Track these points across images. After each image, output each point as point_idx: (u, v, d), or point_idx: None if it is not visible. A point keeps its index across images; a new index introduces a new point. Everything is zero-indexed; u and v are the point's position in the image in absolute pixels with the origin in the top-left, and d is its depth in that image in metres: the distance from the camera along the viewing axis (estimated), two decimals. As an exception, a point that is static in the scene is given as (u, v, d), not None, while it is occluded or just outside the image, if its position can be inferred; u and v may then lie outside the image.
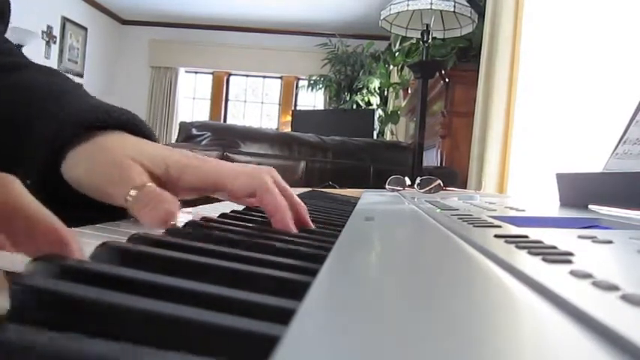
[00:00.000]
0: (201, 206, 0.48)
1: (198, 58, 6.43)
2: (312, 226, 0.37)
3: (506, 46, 1.89)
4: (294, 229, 0.34)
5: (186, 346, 0.13)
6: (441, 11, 1.79)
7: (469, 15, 1.79)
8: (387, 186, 0.87)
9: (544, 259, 0.19)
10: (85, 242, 0.22)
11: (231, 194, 0.36)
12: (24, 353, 0.11)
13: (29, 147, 0.37)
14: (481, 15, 2.01)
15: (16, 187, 0.19)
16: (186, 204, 0.43)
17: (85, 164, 0.35)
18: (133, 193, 0.32)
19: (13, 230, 0.18)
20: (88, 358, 0.11)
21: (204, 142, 1.86)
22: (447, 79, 2.37)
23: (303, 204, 0.37)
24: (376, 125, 4.21)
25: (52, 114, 0.37)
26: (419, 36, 1.88)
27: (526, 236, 0.25)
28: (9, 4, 0.57)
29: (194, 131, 1.90)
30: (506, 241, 0.24)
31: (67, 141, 0.36)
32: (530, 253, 0.20)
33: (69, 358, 0.11)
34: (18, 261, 0.18)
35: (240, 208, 0.46)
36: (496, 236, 0.25)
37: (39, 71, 0.47)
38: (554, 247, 0.22)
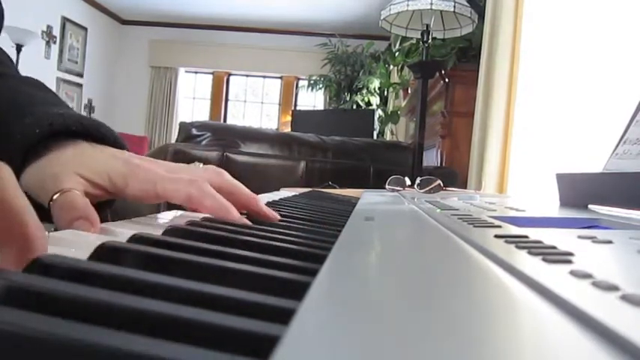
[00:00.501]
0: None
1: (198, 58, 6.43)
2: (276, 215, 0.39)
3: (506, 46, 1.89)
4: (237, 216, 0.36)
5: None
6: (440, 11, 1.79)
7: (469, 15, 1.79)
8: (387, 186, 0.87)
9: (544, 259, 0.19)
10: (85, 242, 0.22)
11: (175, 202, 0.37)
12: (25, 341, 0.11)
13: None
14: (481, 15, 2.01)
15: (4, 175, 0.19)
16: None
17: (32, 176, 0.36)
18: (55, 197, 0.33)
19: None
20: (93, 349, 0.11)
21: (204, 142, 1.86)
22: (446, 79, 2.37)
23: (254, 196, 0.40)
24: (376, 125, 4.21)
25: (16, 127, 0.38)
26: (419, 36, 1.88)
27: (526, 236, 0.25)
28: (2, 10, 0.57)
29: (194, 131, 1.90)
30: (506, 241, 0.24)
31: (25, 156, 0.37)
32: (530, 253, 0.20)
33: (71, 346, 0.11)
34: None
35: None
36: (496, 236, 0.25)
37: (11, 81, 0.47)
38: (554, 247, 0.22)
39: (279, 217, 0.40)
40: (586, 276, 0.16)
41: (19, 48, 4.26)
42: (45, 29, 5.21)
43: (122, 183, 0.36)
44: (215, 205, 0.36)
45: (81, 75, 5.86)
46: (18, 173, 0.36)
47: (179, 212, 0.41)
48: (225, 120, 6.66)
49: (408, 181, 0.86)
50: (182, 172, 0.39)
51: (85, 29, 5.87)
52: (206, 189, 0.36)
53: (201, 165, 0.43)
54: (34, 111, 0.39)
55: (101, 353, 0.11)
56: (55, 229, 0.33)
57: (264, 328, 0.13)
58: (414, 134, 1.87)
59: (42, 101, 0.43)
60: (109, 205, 0.42)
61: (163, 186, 0.36)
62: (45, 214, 0.36)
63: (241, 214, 0.38)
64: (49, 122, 0.37)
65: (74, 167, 0.36)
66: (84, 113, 5.85)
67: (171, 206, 0.40)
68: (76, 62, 5.78)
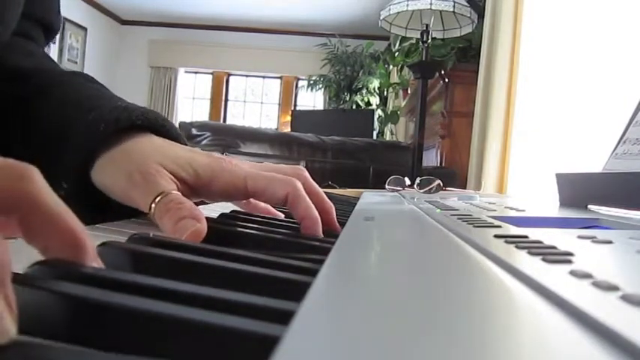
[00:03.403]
0: (200, 206, 0.48)
1: (198, 58, 6.43)
2: (339, 228, 0.36)
3: (505, 46, 1.89)
4: (321, 236, 0.33)
5: (186, 347, 0.13)
6: (440, 11, 1.79)
7: (468, 15, 1.79)
8: (386, 186, 0.87)
9: (544, 259, 0.19)
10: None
11: (265, 201, 0.36)
12: None
13: (63, 155, 0.37)
14: (480, 15, 2.01)
15: (37, 178, 0.18)
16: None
17: (111, 169, 0.35)
18: (157, 199, 0.32)
19: (28, 222, 0.17)
20: None
21: (204, 142, 1.86)
22: (446, 80, 2.37)
23: (332, 205, 0.37)
24: (376, 125, 4.22)
25: (81, 122, 0.37)
26: (418, 36, 1.88)
27: (526, 236, 0.25)
28: (60, 17, 0.57)
29: (194, 131, 1.90)
30: (506, 241, 0.24)
31: (93, 149, 0.35)
32: (530, 253, 0.20)
33: None
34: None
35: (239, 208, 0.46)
36: (496, 236, 0.25)
37: (69, 79, 0.47)
38: (554, 247, 0.22)
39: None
40: (586, 276, 0.16)
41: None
42: (44, 29, 5.21)
43: (208, 176, 0.35)
44: (307, 210, 0.34)
45: (80, 75, 5.86)
46: (82, 167, 0.35)
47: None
48: (224, 120, 6.66)
49: (407, 181, 0.86)
50: (268, 168, 0.37)
51: (85, 29, 5.86)
52: (302, 192, 0.34)
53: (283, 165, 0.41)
54: (99, 105, 0.38)
55: None
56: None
57: (264, 329, 0.13)
58: (414, 134, 1.87)
59: (102, 95, 0.43)
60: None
61: (255, 182, 0.34)
62: (116, 209, 0.35)
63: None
64: (115, 116, 0.36)
65: (157, 159, 0.34)
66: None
67: None
68: (76, 62, 5.78)
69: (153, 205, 0.31)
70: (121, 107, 0.37)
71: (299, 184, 0.35)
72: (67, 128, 0.37)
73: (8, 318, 0.12)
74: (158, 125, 0.39)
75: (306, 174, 0.39)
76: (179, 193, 0.32)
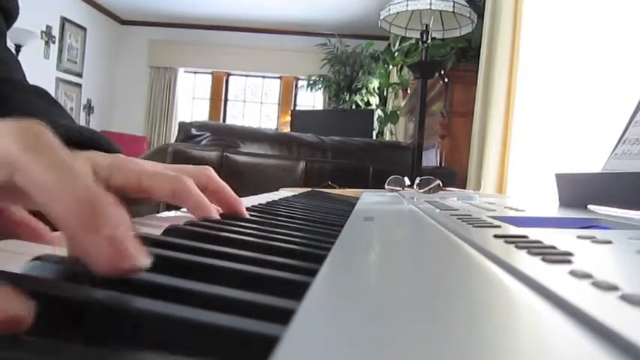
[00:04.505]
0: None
1: (198, 58, 6.43)
2: (246, 214, 0.40)
3: (505, 46, 1.89)
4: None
5: (186, 347, 0.13)
6: (440, 11, 1.79)
7: (468, 15, 1.79)
8: (386, 186, 0.87)
9: (543, 259, 0.19)
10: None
11: (157, 199, 0.37)
12: None
13: None
14: (480, 15, 2.01)
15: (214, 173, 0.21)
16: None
17: None
18: None
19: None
20: None
21: (203, 142, 1.86)
22: (446, 80, 2.37)
23: (237, 198, 0.40)
24: (375, 125, 4.22)
25: None
26: (418, 36, 1.88)
27: (525, 236, 0.25)
28: (17, 8, 0.57)
29: (193, 131, 1.90)
30: (505, 241, 0.24)
31: None
32: (529, 253, 0.20)
33: None
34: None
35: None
36: (495, 236, 0.25)
37: (24, 88, 0.48)
38: (554, 247, 0.22)
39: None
40: (585, 276, 0.16)
41: (18, 48, 4.26)
42: (44, 29, 5.20)
43: (105, 174, 0.36)
44: (196, 203, 0.36)
45: (80, 75, 5.85)
46: None
47: (178, 212, 0.41)
48: (224, 120, 6.66)
49: (407, 181, 0.86)
50: (169, 170, 0.39)
51: (85, 29, 5.86)
52: (190, 186, 0.36)
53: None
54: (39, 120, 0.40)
55: None
56: None
57: (264, 328, 0.13)
58: (414, 134, 1.87)
59: (45, 112, 0.43)
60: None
61: (148, 179, 0.36)
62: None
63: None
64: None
65: None
66: (83, 113, 5.88)
67: (170, 207, 0.40)
68: (76, 62, 5.77)
69: None
70: (58, 125, 0.39)
71: (188, 181, 0.36)
72: None
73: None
74: (93, 141, 0.40)
75: (211, 172, 0.41)
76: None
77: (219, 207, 0.40)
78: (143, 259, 0.17)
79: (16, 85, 0.48)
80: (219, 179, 0.41)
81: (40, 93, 0.48)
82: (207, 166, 0.41)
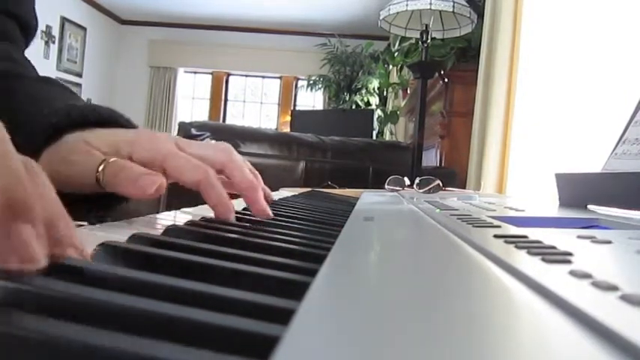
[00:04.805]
0: (200, 206, 0.48)
1: (198, 58, 6.43)
2: (269, 212, 0.39)
3: (505, 46, 1.89)
4: (233, 220, 0.36)
5: (186, 347, 0.13)
6: (440, 11, 1.79)
7: (468, 15, 1.79)
8: (386, 186, 0.87)
9: (543, 259, 0.19)
10: (86, 242, 0.22)
11: (176, 180, 0.37)
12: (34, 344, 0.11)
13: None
14: (480, 15, 2.01)
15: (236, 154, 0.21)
16: (185, 204, 0.43)
17: (50, 159, 0.36)
18: (101, 167, 0.33)
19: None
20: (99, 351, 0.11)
21: (203, 142, 1.86)
22: (446, 80, 2.37)
23: (253, 185, 0.40)
24: (375, 125, 4.22)
25: (28, 121, 0.38)
26: (418, 36, 1.88)
27: (525, 236, 0.25)
28: (36, 19, 0.57)
29: (193, 131, 1.90)
30: (505, 241, 0.24)
31: (39, 147, 0.37)
32: (529, 253, 0.20)
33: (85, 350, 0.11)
34: None
35: (240, 208, 0.46)
36: (495, 236, 0.25)
37: (37, 81, 0.48)
38: (554, 247, 0.22)
39: (271, 215, 0.40)
40: (585, 276, 0.16)
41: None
42: (44, 29, 5.20)
43: (128, 150, 0.36)
44: (217, 199, 0.36)
45: (80, 75, 5.85)
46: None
47: (178, 212, 0.41)
48: (224, 120, 6.66)
49: (407, 181, 0.86)
50: (192, 149, 0.38)
51: (84, 29, 5.86)
52: (214, 182, 0.36)
53: (213, 142, 0.43)
54: (53, 104, 0.39)
55: (101, 355, 0.11)
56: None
57: (264, 328, 0.13)
58: (414, 134, 1.87)
59: (58, 97, 0.43)
60: (119, 202, 0.41)
61: (172, 162, 0.35)
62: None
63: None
64: (67, 112, 0.38)
65: (84, 139, 0.36)
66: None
67: (170, 206, 0.40)
68: (75, 62, 5.77)
69: (100, 170, 0.33)
70: (73, 105, 0.39)
71: (211, 172, 0.36)
72: (22, 123, 0.38)
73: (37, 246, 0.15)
74: (111, 118, 0.40)
75: (232, 153, 0.40)
76: (119, 159, 0.34)
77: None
78: (39, 262, 0.16)
79: (28, 78, 0.48)
80: (239, 159, 0.40)
81: (51, 82, 0.49)
82: (227, 146, 0.40)
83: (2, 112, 0.41)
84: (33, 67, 0.54)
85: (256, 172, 0.42)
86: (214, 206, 0.36)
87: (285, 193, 0.84)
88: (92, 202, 0.38)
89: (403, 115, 3.89)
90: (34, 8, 0.58)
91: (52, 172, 0.35)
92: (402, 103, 3.81)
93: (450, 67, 2.31)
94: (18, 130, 0.38)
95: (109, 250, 0.21)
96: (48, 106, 0.39)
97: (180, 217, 0.39)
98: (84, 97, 5.93)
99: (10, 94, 0.44)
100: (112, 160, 0.34)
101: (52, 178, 0.35)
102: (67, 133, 0.37)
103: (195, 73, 6.69)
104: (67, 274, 0.17)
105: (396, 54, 3.51)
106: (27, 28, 0.57)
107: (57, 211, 0.19)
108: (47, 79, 0.49)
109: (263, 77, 6.69)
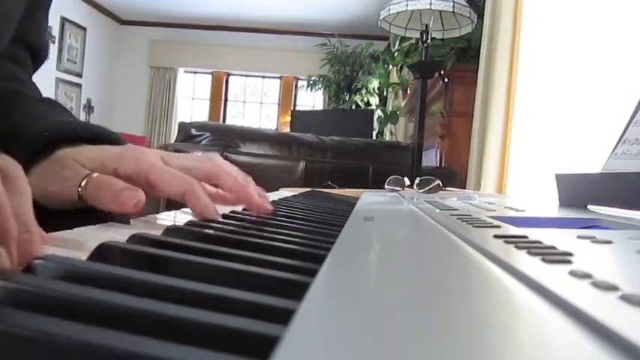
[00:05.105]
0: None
1: (198, 58, 6.43)
2: (269, 206, 0.41)
3: (505, 46, 1.89)
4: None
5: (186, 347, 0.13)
6: (440, 11, 1.79)
7: (468, 15, 1.79)
8: (386, 186, 0.87)
9: (543, 260, 0.19)
10: (85, 242, 0.22)
11: (159, 193, 0.37)
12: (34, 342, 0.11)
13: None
14: (480, 15, 2.01)
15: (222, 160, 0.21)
16: (185, 204, 0.42)
17: (39, 174, 0.37)
18: (83, 183, 0.34)
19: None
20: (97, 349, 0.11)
21: (203, 143, 1.86)
22: (446, 80, 2.37)
23: (242, 184, 0.41)
24: (375, 125, 4.22)
25: (21, 135, 0.39)
26: (418, 36, 1.88)
27: (525, 236, 0.25)
28: (48, 44, 0.58)
29: (193, 131, 1.90)
30: (505, 242, 0.24)
31: (29, 161, 0.37)
32: (529, 253, 0.20)
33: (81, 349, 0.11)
34: None
35: (240, 208, 0.46)
36: (495, 236, 0.25)
37: (35, 100, 0.49)
38: (554, 248, 0.22)
39: (271, 209, 0.41)
40: (585, 276, 0.16)
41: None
42: (44, 29, 5.20)
43: (114, 165, 0.36)
44: (202, 208, 0.36)
45: (80, 75, 5.85)
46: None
47: (178, 212, 0.41)
48: (224, 120, 6.66)
49: (407, 182, 0.86)
50: (177, 161, 0.39)
51: (84, 29, 5.86)
52: (197, 193, 0.36)
53: (200, 153, 0.44)
54: (45, 120, 0.40)
55: (101, 354, 0.11)
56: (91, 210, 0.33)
57: (264, 328, 0.13)
58: (413, 134, 1.87)
59: (53, 115, 0.44)
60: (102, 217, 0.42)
61: (156, 174, 0.36)
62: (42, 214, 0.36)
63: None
64: (59, 127, 0.38)
65: (72, 156, 0.36)
66: (83, 113, 5.87)
67: (170, 206, 0.40)
68: (75, 62, 5.77)
69: (82, 185, 0.34)
70: (64, 121, 0.40)
71: (196, 185, 0.37)
72: (16, 136, 0.39)
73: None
74: (101, 136, 0.41)
75: (216, 160, 0.41)
76: (101, 174, 0.35)
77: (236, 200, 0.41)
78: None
79: (29, 98, 0.49)
80: (223, 165, 0.41)
81: (52, 103, 0.50)
82: (213, 155, 0.41)
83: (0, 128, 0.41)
84: (37, 89, 0.55)
85: (248, 177, 0.42)
86: (200, 215, 0.36)
87: (285, 193, 0.84)
88: (76, 217, 0.38)
89: (403, 115, 3.89)
90: (46, 36, 0.59)
91: (41, 189, 0.36)
92: (402, 103, 3.81)
93: (450, 67, 2.31)
94: (9, 143, 0.38)
95: (109, 250, 0.21)
96: (42, 122, 0.39)
97: (180, 217, 0.39)
98: (84, 97, 5.94)
99: (10, 111, 0.44)
100: (94, 175, 0.34)
101: (40, 194, 0.36)
102: (58, 149, 0.38)
103: (195, 73, 6.68)
104: (66, 274, 0.17)
105: (396, 54, 3.51)
106: (37, 56, 0.58)
107: (26, 219, 0.20)
108: (49, 101, 0.50)
109: (263, 77, 6.68)
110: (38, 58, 0.58)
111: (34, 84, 0.55)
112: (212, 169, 0.40)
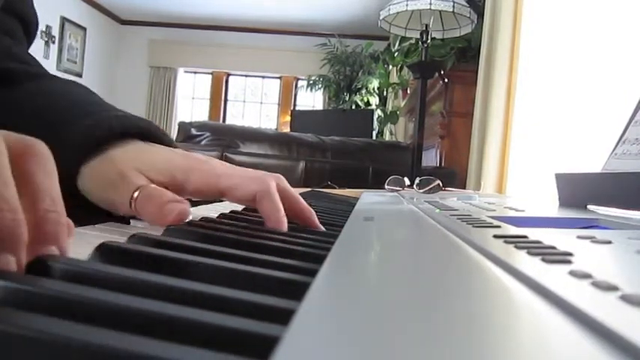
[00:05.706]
0: (200, 206, 0.48)
1: (198, 58, 6.42)
2: (322, 228, 0.38)
3: (505, 46, 1.89)
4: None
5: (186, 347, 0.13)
6: (440, 11, 1.79)
7: (468, 15, 1.79)
8: (386, 186, 0.87)
9: (543, 260, 0.19)
10: (85, 242, 0.22)
11: (235, 199, 0.37)
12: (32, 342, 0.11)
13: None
14: (480, 15, 2.01)
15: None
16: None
17: (94, 176, 0.36)
18: (135, 194, 0.33)
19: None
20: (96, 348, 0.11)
21: (203, 142, 1.86)
22: (446, 80, 2.37)
23: (310, 209, 0.38)
24: (375, 125, 4.22)
25: (68, 128, 0.38)
26: (418, 36, 1.88)
27: (525, 236, 0.25)
28: (36, 15, 0.57)
29: (193, 131, 1.90)
30: (505, 242, 0.24)
31: (79, 160, 0.37)
32: (529, 253, 0.20)
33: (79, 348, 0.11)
34: None
35: (240, 208, 0.46)
36: (495, 236, 0.25)
37: (61, 81, 0.48)
38: (554, 248, 0.22)
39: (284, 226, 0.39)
40: (585, 276, 0.16)
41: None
42: (44, 29, 5.20)
43: (183, 177, 0.36)
44: (272, 214, 0.35)
45: (80, 75, 5.85)
46: (72, 171, 0.36)
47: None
48: (224, 120, 6.66)
49: (407, 182, 0.86)
50: (241, 172, 0.38)
51: (84, 29, 5.86)
52: (272, 192, 0.35)
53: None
54: (94, 111, 0.39)
55: (101, 354, 0.11)
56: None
57: (264, 329, 0.13)
58: (413, 134, 1.87)
59: (90, 102, 0.43)
60: None
61: (227, 181, 0.36)
62: (96, 212, 0.36)
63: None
64: (109, 125, 0.37)
65: (135, 165, 0.36)
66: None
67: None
68: (75, 62, 5.77)
69: (134, 197, 0.33)
70: (114, 116, 0.39)
71: (272, 184, 0.36)
72: (60, 129, 0.38)
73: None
74: (150, 132, 0.40)
75: (283, 181, 0.39)
76: (156, 186, 0.34)
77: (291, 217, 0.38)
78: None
79: (54, 79, 0.48)
80: (290, 188, 0.39)
81: (77, 84, 0.48)
82: (278, 175, 0.39)
83: (35, 113, 0.41)
84: (39, 63, 0.53)
85: (308, 207, 0.39)
86: (266, 218, 0.35)
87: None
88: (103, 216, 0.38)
89: (403, 115, 3.89)
90: (32, 5, 0.57)
91: (96, 196, 0.35)
92: (402, 103, 3.81)
93: (449, 67, 2.31)
94: (51, 137, 0.38)
95: (109, 250, 0.21)
96: (85, 113, 0.39)
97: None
98: (84, 97, 5.93)
99: (41, 94, 0.43)
100: (150, 186, 0.34)
101: (90, 193, 0.36)
102: (108, 146, 0.37)
103: (195, 73, 6.68)
104: (67, 274, 0.17)
105: (396, 54, 3.51)
106: (28, 26, 0.56)
107: (56, 202, 0.21)
108: (74, 82, 0.49)
109: (263, 77, 6.68)
110: (29, 29, 0.56)
111: (34, 58, 0.53)
112: (263, 187, 0.37)
